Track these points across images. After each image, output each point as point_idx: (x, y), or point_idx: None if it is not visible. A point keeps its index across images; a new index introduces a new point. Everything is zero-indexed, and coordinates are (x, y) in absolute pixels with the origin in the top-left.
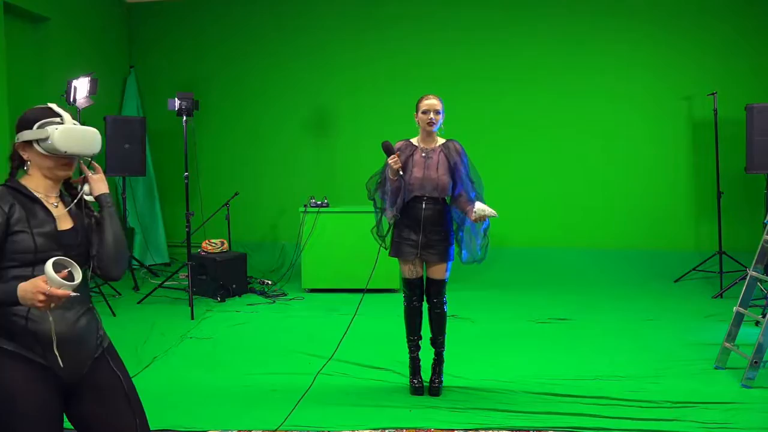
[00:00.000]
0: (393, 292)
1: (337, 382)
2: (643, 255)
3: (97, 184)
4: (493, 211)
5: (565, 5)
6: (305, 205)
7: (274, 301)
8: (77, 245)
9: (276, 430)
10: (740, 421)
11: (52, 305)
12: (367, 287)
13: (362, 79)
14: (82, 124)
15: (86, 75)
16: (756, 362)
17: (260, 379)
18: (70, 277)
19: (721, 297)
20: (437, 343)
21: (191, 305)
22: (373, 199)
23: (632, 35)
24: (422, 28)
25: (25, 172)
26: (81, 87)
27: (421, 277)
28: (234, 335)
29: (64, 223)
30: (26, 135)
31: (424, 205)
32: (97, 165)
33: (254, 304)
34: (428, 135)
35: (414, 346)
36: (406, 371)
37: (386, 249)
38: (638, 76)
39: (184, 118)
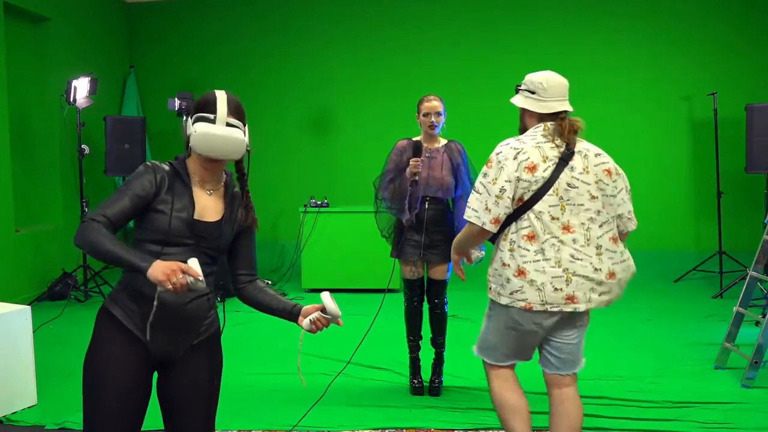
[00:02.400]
0: (393, 292)
1: (338, 382)
2: (643, 255)
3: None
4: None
5: (564, 5)
6: (305, 205)
7: None
8: (212, 239)
9: (276, 430)
10: (740, 421)
11: (174, 284)
12: (389, 287)
13: (362, 78)
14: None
15: (86, 75)
16: (756, 362)
17: (260, 379)
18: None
19: (721, 297)
20: (437, 343)
21: None
22: (381, 199)
23: (632, 35)
24: (422, 27)
25: (189, 153)
26: (81, 87)
27: (422, 278)
28: (234, 335)
29: (210, 214)
30: (189, 122)
31: (427, 206)
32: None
33: None
34: (431, 135)
35: (414, 347)
36: (406, 371)
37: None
38: (638, 76)
39: (184, 117)
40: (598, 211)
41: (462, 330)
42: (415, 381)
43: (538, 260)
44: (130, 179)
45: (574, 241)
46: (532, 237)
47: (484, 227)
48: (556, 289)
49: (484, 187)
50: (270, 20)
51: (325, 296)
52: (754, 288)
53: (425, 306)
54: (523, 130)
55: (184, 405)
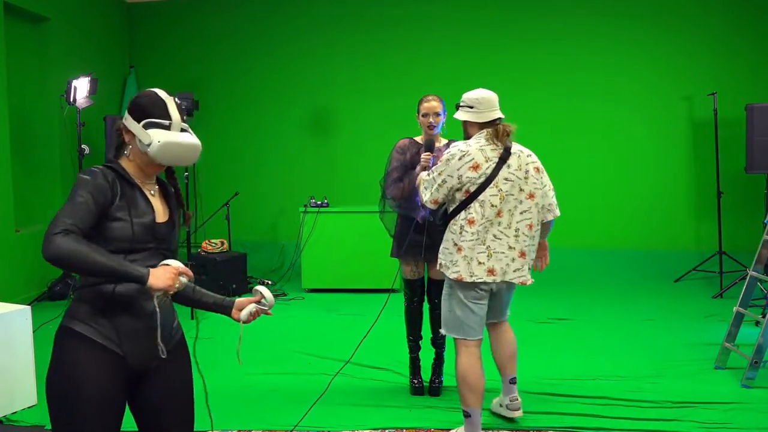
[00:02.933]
0: (394, 292)
1: (338, 382)
2: (643, 255)
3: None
4: None
5: (565, 5)
6: (305, 205)
7: None
8: (169, 240)
9: (275, 430)
10: (740, 421)
11: (177, 289)
12: (393, 287)
13: (362, 78)
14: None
15: (86, 75)
16: (756, 362)
17: (260, 379)
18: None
19: (721, 297)
20: (437, 343)
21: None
22: (389, 199)
23: (632, 35)
24: (422, 27)
25: (124, 155)
26: (81, 87)
27: (422, 278)
28: (234, 335)
29: (161, 215)
30: (131, 125)
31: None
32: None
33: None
34: (431, 135)
35: (414, 347)
36: (406, 371)
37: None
38: (638, 76)
39: (184, 117)
40: (521, 201)
41: None
42: (415, 381)
43: (473, 240)
44: (80, 186)
45: (500, 224)
46: (472, 222)
47: (426, 205)
48: (479, 263)
49: (432, 174)
50: (270, 20)
51: (263, 288)
52: (754, 288)
53: (425, 306)
54: (467, 137)
55: (170, 411)
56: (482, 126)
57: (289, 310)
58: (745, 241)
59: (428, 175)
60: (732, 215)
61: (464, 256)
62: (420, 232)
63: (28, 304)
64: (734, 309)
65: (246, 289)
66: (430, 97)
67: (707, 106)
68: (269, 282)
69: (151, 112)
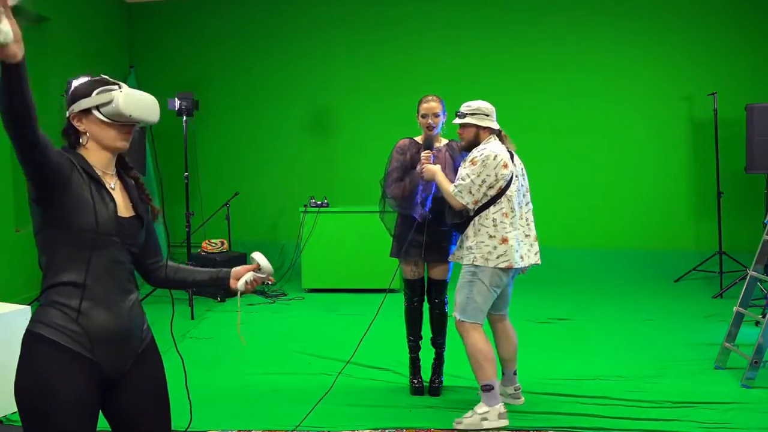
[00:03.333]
0: (393, 292)
1: (338, 382)
2: (643, 255)
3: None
4: None
5: (565, 5)
6: (305, 205)
7: (274, 301)
8: (134, 233)
9: (275, 430)
10: (740, 421)
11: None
12: (390, 287)
13: (362, 78)
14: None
15: (86, 75)
16: (756, 362)
17: (260, 379)
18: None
19: (721, 297)
20: (437, 343)
21: (191, 305)
22: (389, 198)
23: (632, 35)
24: (422, 27)
25: (81, 147)
26: None
27: (422, 278)
28: (234, 335)
29: (124, 210)
30: (85, 103)
31: (429, 207)
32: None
33: (254, 304)
34: (430, 135)
35: (414, 347)
36: (406, 371)
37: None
38: (638, 76)
39: (184, 118)
40: (524, 194)
41: None
42: (415, 381)
43: (512, 230)
44: None
45: (515, 215)
46: (506, 214)
47: (468, 206)
48: (516, 251)
49: (470, 177)
50: (270, 20)
51: (258, 255)
52: (754, 288)
53: (425, 306)
54: (475, 143)
55: (146, 414)
56: (491, 132)
57: (289, 310)
58: (745, 241)
59: (463, 180)
60: (732, 215)
61: (510, 245)
62: (420, 231)
63: (28, 304)
64: (734, 309)
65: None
66: (429, 98)
67: (707, 106)
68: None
69: (97, 86)
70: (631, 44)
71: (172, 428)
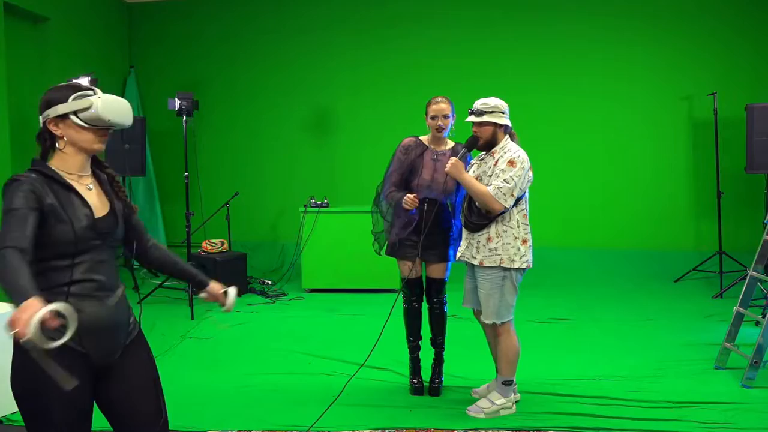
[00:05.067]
0: (393, 292)
1: (338, 382)
2: (643, 255)
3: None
4: None
5: (565, 5)
6: (305, 205)
7: (274, 301)
8: (114, 231)
9: (275, 430)
10: (740, 421)
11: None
12: (401, 287)
13: (362, 78)
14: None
15: (86, 75)
16: (756, 362)
17: (260, 379)
18: (58, 331)
19: (721, 297)
20: (437, 343)
21: (191, 305)
22: (380, 207)
23: (632, 35)
24: (422, 28)
25: (57, 151)
26: None
27: (421, 277)
28: (234, 335)
29: (100, 209)
30: (62, 108)
31: (426, 207)
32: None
33: (254, 304)
34: (438, 137)
35: (414, 347)
36: (406, 371)
37: (379, 253)
38: (638, 76)
39: (184, 118)
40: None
41: (462, 330)
42: (415, 381)
43: (528, 231)
44: (9, 199)
45: (528, 216)
46: (526, 215)
47: (506, 209)
48: (530, 251)
49: (513, 179)
50: (270, 20)
51: (231, 293)
52: (754, 288)
53: (425, 306)
54: (492, 143)
55: (136, 405)
56: (506, 131)
57: (289, 310)
58: (745, 241)
59: (507, 182)
60: (732, 215)
61: (529, 246)
62: (416, 232)
63: None
64: (734, 309)
65: (246, 289)
66: (439, 99)
67: (707, 106)
68: (269, 282)
69: (72, 92)
70: (631, 44)
71: (168, 426)
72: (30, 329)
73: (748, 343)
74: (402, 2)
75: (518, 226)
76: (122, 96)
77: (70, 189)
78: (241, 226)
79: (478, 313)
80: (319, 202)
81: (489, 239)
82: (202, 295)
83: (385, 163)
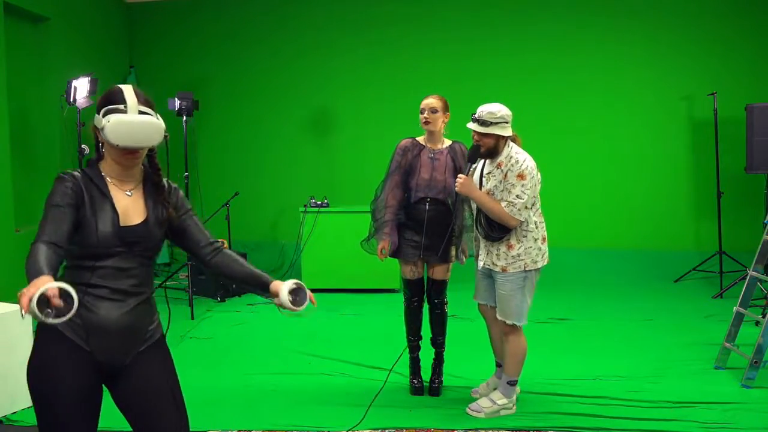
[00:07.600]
0: (393, 292)
1: (337, 382)
2: (643, 255)
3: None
4: None
5: (564, 5)
6: (305, 205)
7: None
8: (144, 241)
9: (275, 430)
10: (740, 421)
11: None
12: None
13: (362, 78)
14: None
15: (86, 75)
16: (756, 362)
17: (260, 379)
18: (64, 309)
19: (721, 297)
20: (437, 343)
21: (191, 305)
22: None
23: (632, 35)
24: (422, 27)
25: (104, 155)
26: (81, 87)
27: (422, 278)
28: (234, 335)
29: (134, 216)
30: (96, 120)
31: (427, 207)
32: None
33: (254, 304)
34: (432, 135)
35: (414, 347)
36: (406, 371)
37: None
38: (638, 76)
39: (184, 117)
40: None
41: (462, 330)
42: (415, 381)
43: (545, 228)
44: (51, 194)
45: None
46: (540, 213)
47: (521, 220)
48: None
49: (525, 194)
50: (270, 20)
51: (284, 291)
52: (754, 288)
53: (425, 306)
54: (494, 152)
55: (147, 411)
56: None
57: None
58: (745, 241)
59: (520, 198)
60: (732, 215)
61: (546, 240)
62: (418, 232)
63: None
64: (734, 309)
65: (246, 290)
66: (429, 96)
67: (707, 106)
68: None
69: (110, 100)
70: (631, 44)
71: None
72: (32, 303)
73: (748, 343)
74: (402, 2)
75: (536, 228)
76: None
77: (105, 193)
78: (241, 226)
79: (484, 307)
80: (319, 202)
81: (510, 246)
82: (275, 300)
83: (385, 163)
